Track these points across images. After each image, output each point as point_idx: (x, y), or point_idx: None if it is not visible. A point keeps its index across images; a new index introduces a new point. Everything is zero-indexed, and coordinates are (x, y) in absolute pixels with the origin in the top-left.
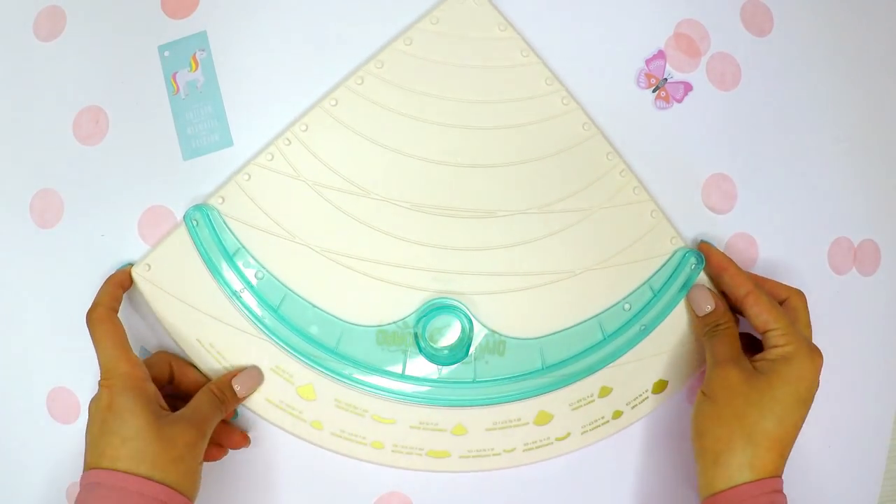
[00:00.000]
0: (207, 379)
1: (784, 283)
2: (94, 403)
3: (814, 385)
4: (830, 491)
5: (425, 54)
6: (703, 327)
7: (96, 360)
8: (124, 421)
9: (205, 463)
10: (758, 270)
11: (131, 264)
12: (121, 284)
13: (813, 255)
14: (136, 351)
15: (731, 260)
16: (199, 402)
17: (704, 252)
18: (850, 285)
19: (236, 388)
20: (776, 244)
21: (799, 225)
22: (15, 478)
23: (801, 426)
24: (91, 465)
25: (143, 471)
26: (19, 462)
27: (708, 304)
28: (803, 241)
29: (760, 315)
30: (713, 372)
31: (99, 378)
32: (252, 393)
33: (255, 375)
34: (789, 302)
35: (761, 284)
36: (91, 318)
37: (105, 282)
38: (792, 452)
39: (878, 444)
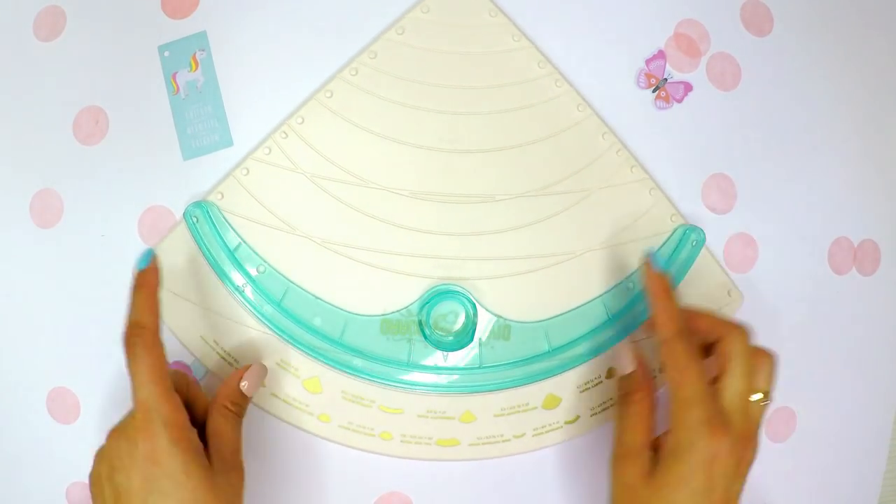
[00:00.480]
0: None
1: (729, 316)
2: (129, 445)
3: (715, 471)
4: (830, 491)
5: (418, 43)
6: (617, 389)
7: (119, 377)
8: (179, 484)
9: None
10: (757, 270)
11: (154, 254)
12: (155, 289)
13: (813, 255)
14: None
15: (665, 289)
16: (223, 430)
17: (645, 270)
18: (850, 285)
19: (244, 385)
20: (776, 244)
21: (799, 225)
22: (15, 478)
23: None
24: None
25: None
26: (19, 462)
27: (629, 365)
28: (803, 241)
29: (669, 374)
30: (612, 464)
31: (133, 411)
32: (258, 386)
33: (259, 370)
34: (720, 346)
35: (693, 322)
36: (132, 341)
37: (137, 291)
38: (792, 453)
39: (878, 444)
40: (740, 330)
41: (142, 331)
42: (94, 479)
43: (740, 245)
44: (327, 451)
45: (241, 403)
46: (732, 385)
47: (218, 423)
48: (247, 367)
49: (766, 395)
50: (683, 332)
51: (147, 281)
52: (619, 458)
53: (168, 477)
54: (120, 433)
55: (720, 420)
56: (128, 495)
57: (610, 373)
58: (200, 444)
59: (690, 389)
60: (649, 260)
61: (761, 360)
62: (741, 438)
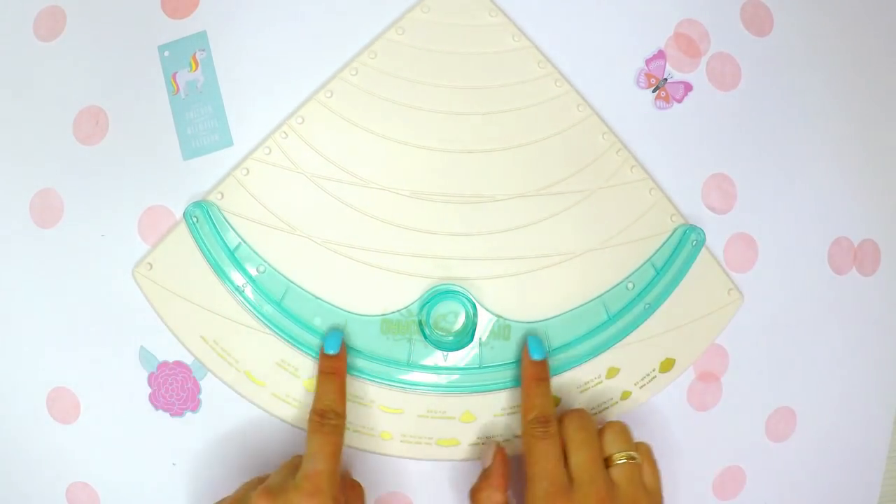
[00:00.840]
0: None
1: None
2: None
3: None
4: (830, 491)
5: (418, 43)
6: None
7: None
8: None
9: (203, 465)
10: (757, 270)
11: (343, 337)
12: (345, 376)
13: (813, 255)
14: (136, 351)
15: (534, 378)
16: None
17: (522, 357)
18: (850, 285)
19: None
20: (776, 244)
21: (799, 225)
22: (15, 478)
23: None
24: None
25: None
26: (19, 462)
27: (488, 461)
28: (803, 241)
29: (525, 455)
30: None
31: (298, 478)
32: None
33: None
34: (561, 431)
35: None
36: (323, 424)
37: (327, 377)
38: (792, 453)
39: (878, 444)
40: (574, 412)
41: (336, 417)
42: None
43: (740, 245)
44: None
45: None
46: (573, 458)
47: None
48: None
49: (626, 455)
50: (540, 418)
51: (338, 368)
52: None
53: None
54: (277, 495)
55: (562, 492)
56: None
57: (610, 373)
58: None
59: (536, 467)
60: (527, 347)
61: (606, 429)
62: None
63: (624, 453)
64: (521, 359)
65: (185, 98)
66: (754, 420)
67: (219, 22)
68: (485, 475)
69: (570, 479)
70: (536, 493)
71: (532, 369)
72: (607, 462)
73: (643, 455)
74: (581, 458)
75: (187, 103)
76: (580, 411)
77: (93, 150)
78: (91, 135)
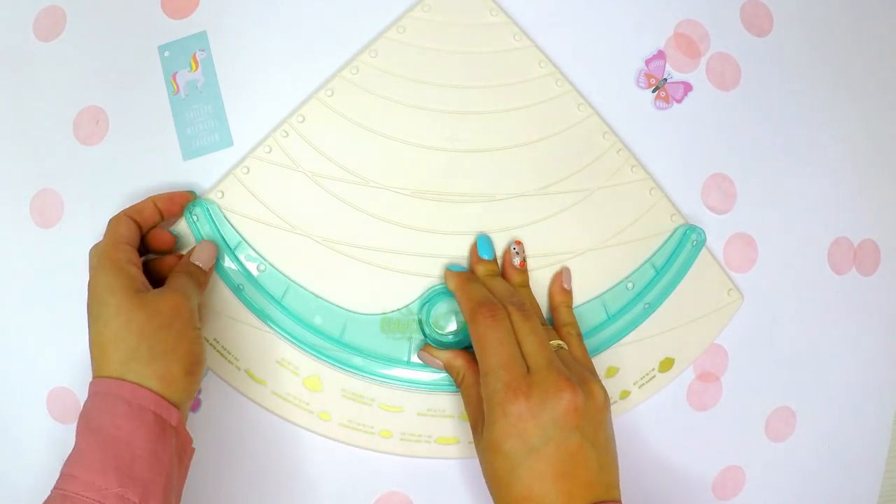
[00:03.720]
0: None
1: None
2: (90, 279)
3: (530, 429)
4: (831, 491)
5: (419, 42)
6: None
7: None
8: (105, 303)
9: (203, 464)
10: (757, 270)
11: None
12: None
13: (813, 255)
14: None
15: (462, 279)
16: (174, 279)
17: (445, 276)
18: (850, 285)
19: (197, 263)
20: (776, 244)
21: (799, 225)
22: (15, 478)
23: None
24: (95, 371)
25: (128, 347)
26: (19, 462)
27: (435, 363)
28: (803, 241)
29: (475, 353)
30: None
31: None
32: (213, 262)
33: (208, 246)
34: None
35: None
36: (113, 218)
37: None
38: (791, 453)
39: (878, 444)
40: (512, 305)
41: (121, 213)
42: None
43: (740, 245)
44: (327, 448)
45: (192, 269)
46: (525, 346)
47: (172, 277)
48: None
49: (557, 345)
50: (484, 303)
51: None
52: (472, 432)
53: (97, 300)
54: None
55: (518, 382)
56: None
57: (609, 372)
58: (139, 275)
59: (489, 360)
60: (448, 270)
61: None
62: (556, 390)
63: (555, 342)
64: (445, 278)
65: (185, 98)
66: (754, 420)
67: (219, 22)
68: (454, 371)
69: (526, 366)
70: (488, 390)
71: (457, 276)
72: None
73: (573, 336)
74: (535, 344)
75: (187, 103)
76: (520, 300)
77: (93, 150)
78: (91, 135)
